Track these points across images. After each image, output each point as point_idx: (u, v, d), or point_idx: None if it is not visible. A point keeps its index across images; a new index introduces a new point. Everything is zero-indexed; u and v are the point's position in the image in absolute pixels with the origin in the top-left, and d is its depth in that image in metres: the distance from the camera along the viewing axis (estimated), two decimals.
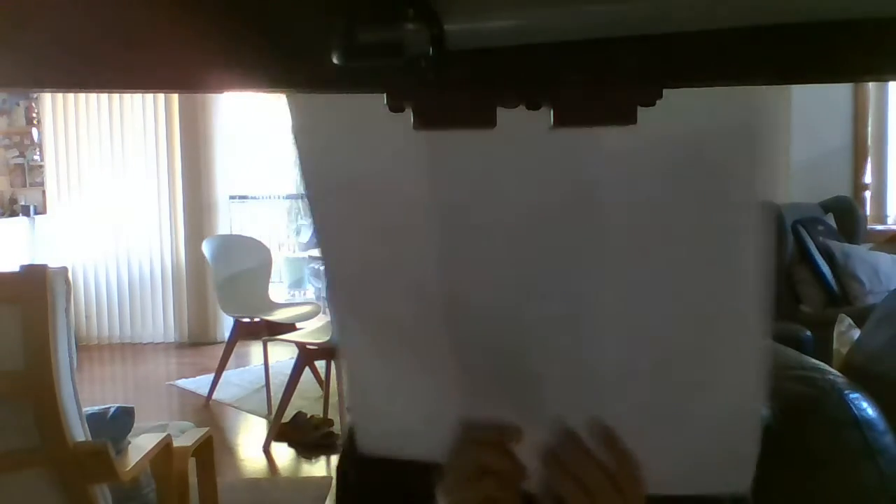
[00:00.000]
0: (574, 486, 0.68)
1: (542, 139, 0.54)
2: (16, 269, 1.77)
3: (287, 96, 0.65)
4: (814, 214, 4.23)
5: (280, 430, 3.82)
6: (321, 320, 4.30)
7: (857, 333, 2.12)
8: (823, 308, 3.88)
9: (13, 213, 5.84)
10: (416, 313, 0.70)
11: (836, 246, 4.04)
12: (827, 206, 4.36)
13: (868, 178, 4.81)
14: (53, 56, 0.49)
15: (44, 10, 0.48)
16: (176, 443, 2.23)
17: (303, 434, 3.82)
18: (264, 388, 4.39)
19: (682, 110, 0.57)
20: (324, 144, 0.66)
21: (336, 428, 3.82)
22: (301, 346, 3.82)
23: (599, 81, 0.57)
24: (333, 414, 3.95)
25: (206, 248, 4.71)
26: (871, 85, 4.54)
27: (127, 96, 5.64)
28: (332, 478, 3.44)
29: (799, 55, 0.53)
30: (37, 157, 5.96)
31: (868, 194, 4.83)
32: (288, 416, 3.85)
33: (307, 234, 8.36)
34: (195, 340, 5.97)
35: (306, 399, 4.25)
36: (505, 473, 0.70)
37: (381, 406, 0.76)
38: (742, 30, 0.50)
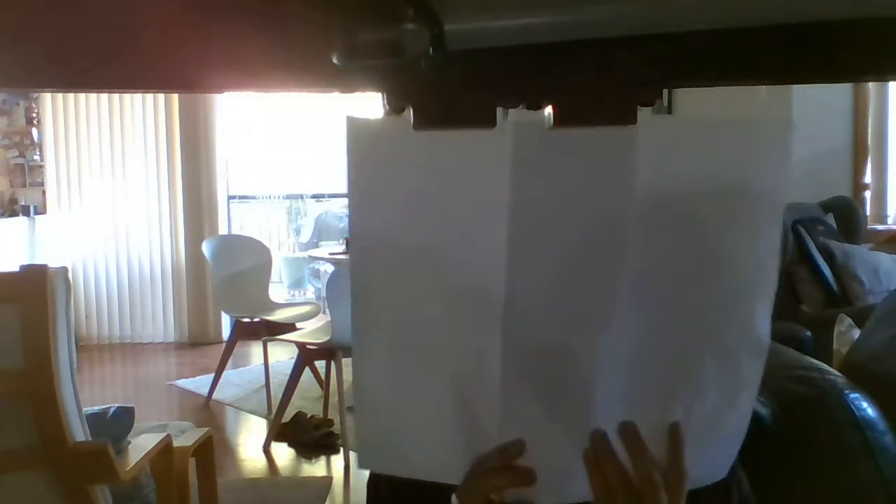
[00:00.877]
0: (609, 490, 0.69)
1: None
2: (16, 269, 1.77)
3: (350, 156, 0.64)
4: (814, 214, 4.23)
5: (280, 430, 3.82)
6: (321, 320, 4.30)
7: (857, 333, 2.12)
8: (823, 308, 3.88)
9: (13, 213, 5.84)
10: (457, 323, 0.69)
11: (836, 246, 4.04)
12: (827, 206, 4.36)
13: (868, 178, 4.81)
14: (53, 56, 0.49)
15: (44, 11, 0.48)
16: (176, 443, 2.22)
17: (303, 434, 3.82)
18: (264, 388, 4.39)
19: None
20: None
21: (336, 428, 3.82)
22: (301, 346, 3.82)
23: (599, 81, 0.57)
24: (333, 414, 3.95)
25: (206, 248, 4.71)
26: (871, 85, 4.54)
27: (127, 96, 5.64)
28: (332, 478, 3.44)
29: (799, 55, 0.53)
30: (37, 157, 5.96)
31: (868, 194, 4.82)
32: (288, 416, 3.85)
33: (307, 234, 8.36)
34: (195, 340, 5.97)
35: (306, 399, 4.25)
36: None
37: (390, 423, 0.75)
38: (742, 30, 0.50)
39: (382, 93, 0.57)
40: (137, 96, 5.66)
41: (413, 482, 0.80)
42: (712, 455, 0.74)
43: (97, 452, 1.82)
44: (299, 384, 3.84)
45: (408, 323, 0.70)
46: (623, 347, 0.67)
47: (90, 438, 1.88)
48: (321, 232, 8.18)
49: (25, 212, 5.84)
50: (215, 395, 4.55)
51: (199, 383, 4.85)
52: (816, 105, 4.66)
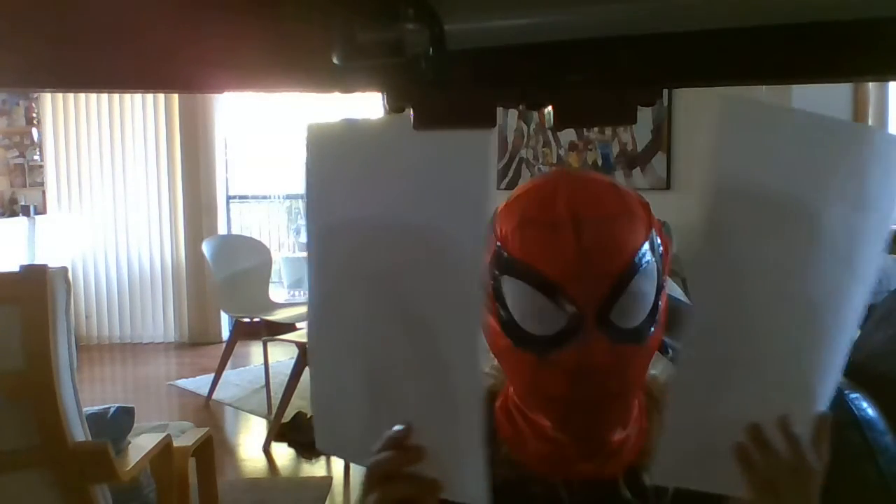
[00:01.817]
0: (771, 482, 0.73)
1: None
2: (16, 269, 1.77)
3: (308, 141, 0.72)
4: None
5: (280, 430, 3.81)
6: None
7: (857, 333, 2.12)
8: None
9: (13, 213, 5.84)
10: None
11: None
12: None
13: None
14: (53, 56, 0.49)
15: (44, 11, 0.48)
16: (176, 443, 2.22)
17: (303, 434, 3.82)
18: (264, 388, 4.39)
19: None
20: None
21: None
22: (301, 346, 3.82)
23: (599, 81, 0.57)
24: None
25: (206, 248, 4.70)
26: (871, 85, 4.53)
27: (127, 96, 5.64)
28: (331, 478, 3.44)
29: (799, 55, 0.53)
30: (37, 157, 5.96)
31: None
32: (288, 416, 3.85)
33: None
34: (195, 340, 5.97)
35: (306, 399, 4.24)
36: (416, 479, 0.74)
37: (333, 410, 0.81)
38: (742, 30, 0.50)
39: (382, 93, 0.57)
40: (137, 96, 5.66)
41: None
42: None
43: (97, 452, 1.82)
44: (299, 384, 3.83)
45: (341, 315, 0.77)
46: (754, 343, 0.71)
47: (90, 438, 1.88)
48: None
49: (25, 212, 5.83)
50: (215, 395, 4.54)
51: (199, 383, 4.85)
52: (816, 105, 4.65)
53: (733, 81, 0.58)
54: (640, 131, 4.99)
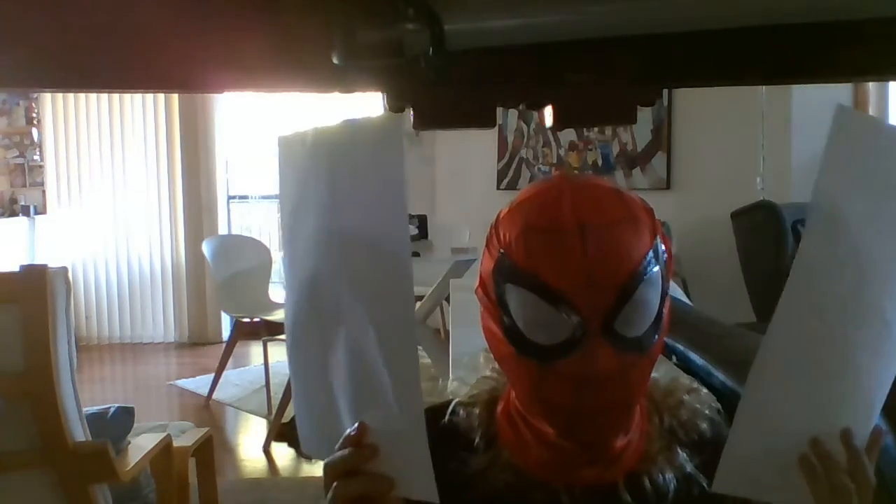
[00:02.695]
0: (822, 488, 0.74)
1: None
2: (16, 269, 1.76)
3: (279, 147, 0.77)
4: None
5: (280, 430, 3.81)
6: None
7: None
8: None
9: (13, 213, 5.84)
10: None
11: None
12: None
13: None
14: (53, 56, 0.49)
15: (43, 11, 0.48)
16: (176, 443, 2.22)
17: None
18: (264, 388, 4.38)
19: None
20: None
21: None
22: None
23: (599, 81, 0.57)
24: None
25: (206, 248, 4.70)
26: (871, 85, 4.53)
27: (127, 96, 5.64)
28: None
29: (799, 55, 0.53)
30: (37, 157, 5.96)
31: None
32: (288, 416, 3.85)
33: None
34: (195, 340, 5.96)
35: None
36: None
37: (311, 413, 0.86)
38: (742, 30, 0.50)
39: (382, 93, 0.57)
40: (137, 96, 5.66)
41: None
42: None
43: (97, 452, 1.82)
44: None
45: (304, 321, 0.80)
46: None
47: (90, 438, 1.88)
48: None
49: (25, 212, 5.83)
50: (215, 395, 4.54)
51: (199, 383, 4.85)
52: (816, 105, 4.66)
53: (733, 81, 0.58)
54: (640, 131, 4.99)
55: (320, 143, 0.71)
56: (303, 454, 3.70)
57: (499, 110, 0.58)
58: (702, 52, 0.54)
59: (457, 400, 0.94)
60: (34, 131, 5.93)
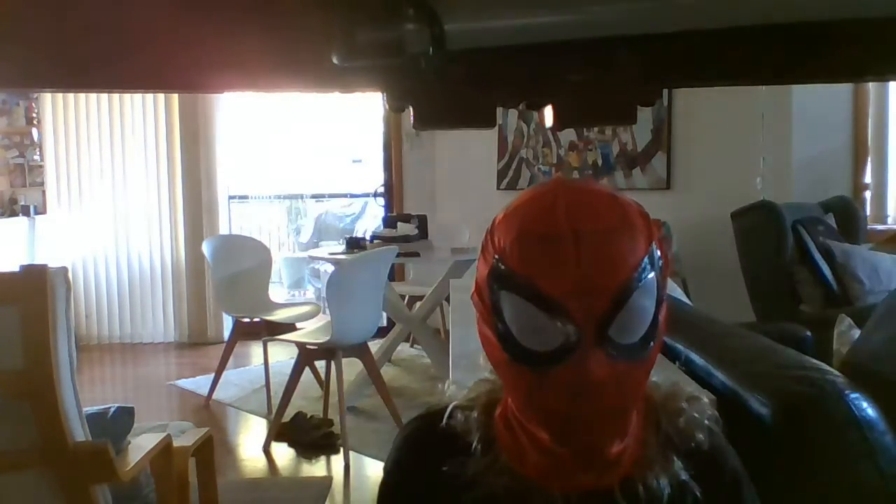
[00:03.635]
0: None
1: None
2: (16, 269, 1.77)
3: None
4: (814, 214, 4.23)
5: (280, 430, 3.81)
6: (321, 320, 4.30)
7: (857, 333, 2.12)
8: (823, 308, 3.88)
9: (13, 213, 5.84)
10: None
11: (836, 246, 4.04)
12: (827, 206, 4.35)
13: (868, 178, 4.80)
14: (53, 56, 0.49)
15: (44, 11, 0.48)
16: (176, 443, 2.22)
17: (303, 434, 3.82)
18: (264, 388, 4.38)
19: None
20: None
21: (336, 428, 3.81)
22: (301, 346, 3.82)
23: (599, 81, 0.57)
24: (333, 414, 3.95)
25: (206, 248, 4.70)
26: (871, 85, 4.53)
27: (127, 96, 5.63)
28: (331, 478, 3.44)
29: (799, 55, 0.53)
30: (37, 157, 5.95)
31: (868, 194, 4.82)
32: (288, 416, 3.85)
33: (307, 234, 8.36)
34: (195, 340, 5.96)
35: (306, 399, 4.25)
36: None
37: None
38: (742, 30, 0.50)
39: (382, 93, 0.57)
40: (137, 96, 5.66)
41: (431, 495, 0.88)
42: None
43: (97, 452, 1.82)
44: (299, 384, 3.84)
45: None
46: None
47: (90, 438, 1.88)
48: (321, 232, 8.18)
49: (25, 212, 5.83)
50: (215, 395, 4.54)
51: (199, 383, 4.85)
52: (816, 105, 4.66)
53: (733, 81, 0.58)
54: (640, 131, 4.99)
55: None
56: (304, 454, 3.70)
57: (499, 110, 0.58)
58: (702, 52, 0.54)
59: (454, 403, 0.94)
60: (34, 131, 5.93)
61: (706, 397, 0.95)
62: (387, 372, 4.52)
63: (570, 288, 0.77)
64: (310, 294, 7.96)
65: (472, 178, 5.65)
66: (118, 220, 5.96)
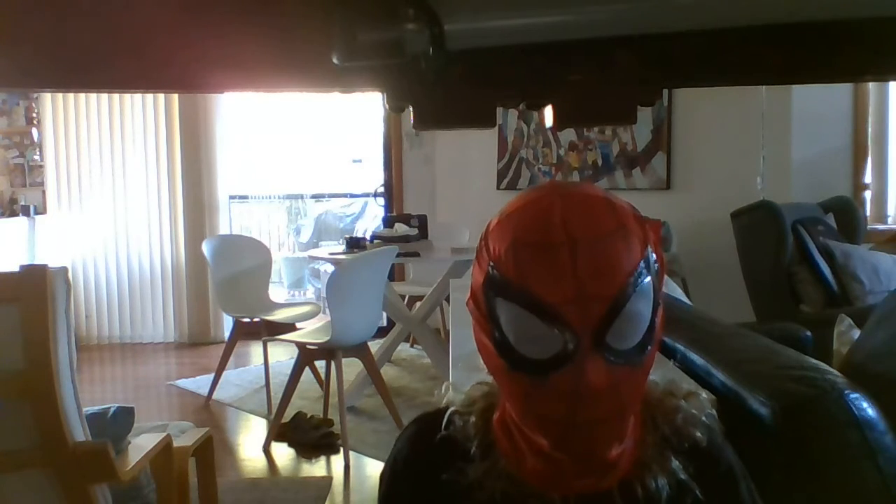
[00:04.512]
0: None
1: None
2: (16, 269, 1.77)
3: None
4: (814, 214, 4.23)
5: (280, 430, 3.81)
6: (321, 320, 4.30)
7: (857, 333, 2.12)
8: (823, 308, 3.88)
9: (13, 213, 5.84)
10: None
11: (836, 246, 4.04)
12: (827, 206, 4.36)
13: (868, 178, 4.80)
14: (53, 56, 0.49)
15: (44, 11, 0.48)
16: (176, 443, 2.22)
17: (303, 434, 3.82)
18: (264, 388, 4.39)
19: None
20: None
21: (336, 428, 3.82)
22: (301, 346, 3.82)
23: (599, 81, 0.56)
24: (333, 414, 3.95)
25: (206, 248, 4.70)
26: (871, 85, 4.53)
27: (127, 96, 5.63)
28: (331, 478, 3.44)
29: (799, 55, 0.53)
30: (37, 157, 5.95)
31: (868, 194, 4.82)
32: (288, 416, 3.85)
33: (307, 234, 8.37)
34: (195, 340, 5.96)
35: (306, 399, 4.25)
36: None
37: None
38: (742, 30, 0.50)
39: (382, 93, 0.57)
40: (137, 96, 5.66)
41: (431, 500, 0.89)
42: None
43: (97, 452, 1.82)
44: (299, 384, 3.84)
45: None
46: None
47: (90, 438, 1.88)
48: (321, 232, 8.18)
49: (25, 212, 5.83)
50: (215, 395, 4.54)
51: (199, 383, 4.85)
52: (816, 105, 4.66)
53: (733, 81, 0.58)
54: (640, 131, 4.99)
55: None
56: (304, 454, 3.70)
57: (499, 110, 0.58)
58: (702, 52, 0.54)
59: (452, 409, 0.94)
60: (34, 131, 5.93)
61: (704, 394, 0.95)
62: (387, 372, 4.52)
63: (567, 296, 0.76)
64: (310, 294, 7.96)
65: (472, 178, 5.65)
66: (118, 220, 5.96)
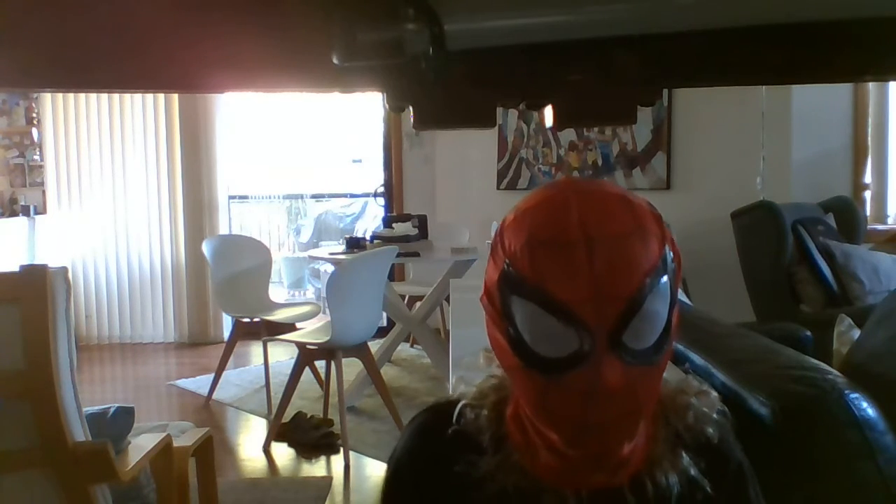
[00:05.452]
0: None
1: None
2: (16, 269, 1.77)
3: None
4: (814, 214, 4.23)
5: (280, 430, 3.81)
6: (321, 320, 4.30)
7: (857, 333, 2.12)
8: (823, 308, 3.88)
9: (13, 213, 5.84)
10: None
11: (836, 246, 4.04)
12: (827, 206, 4.36)
13: (868, 178, 4.80)
14: (53, 56, 0.49)
15: (44, 11, 0.48)
16: (176, 443, 2.22)
17: (303, 434, 3.82)
18: (264, 388, 4.38)
19: None
20: None
21: (336, 428, 3.81)
22: (301, 346, 3.82)
23: (599, 81, 0.56)
24: (333, 414, 3.95)
25: (206, 248, 4.70)
26: (871, 85, 4.53)
27: (127, 96, 5.63)
28: (331, 478, 3.44)
29: (799, 55, 0.53)
30: (37, 157, 5.95)
31: (868, 194, 4.82)
32: (288, 416, 3.85)
33: (307, 234, 8.37)
34: (195, 340, 5.96)
35: (306, 399, 4.25)
36: None
37: None
38: (742, 30, 0.50)
39: (382, 93, 0.57)
40: (137, 96, 5.66)
41: (439, 490, 0.89)
42: None
43: (97, 452, 1.82)
44: (299, 384, 3.84)
45: None
46: None
47: (90, 438, 1.88)
48: (321, 232, 8.18)
49: (25, 212, 5.83)
50: (215, 395, 4.54)
51: (199, 383, 4.85)
52: (816, 105, 4.66)
53: (733, 81, 0.58)
54: (640, 131, 4.99)
55: None
56: (304, 454, 3.70)
57: (499, 110, 0.58)
58: (702, 52, 0.54)
59: (464, 402, 0.94)
60: (34, 131, 5.93)
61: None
62: (387, 372, 4.53)
63: (583, 295, 0.76)
64: (310, 294, 7.96)
65: (472, 178, 5.65)
66: (118, 220, 5.96)
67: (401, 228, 4.77)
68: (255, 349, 4.94)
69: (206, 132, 5.88)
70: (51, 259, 5.58)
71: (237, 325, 4.63)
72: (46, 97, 5.83)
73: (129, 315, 6.06)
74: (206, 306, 5.93)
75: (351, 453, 3.57)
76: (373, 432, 3.88)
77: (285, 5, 0.51)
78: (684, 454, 0.88)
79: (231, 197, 6.22)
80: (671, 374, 0.94)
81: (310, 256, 5.36)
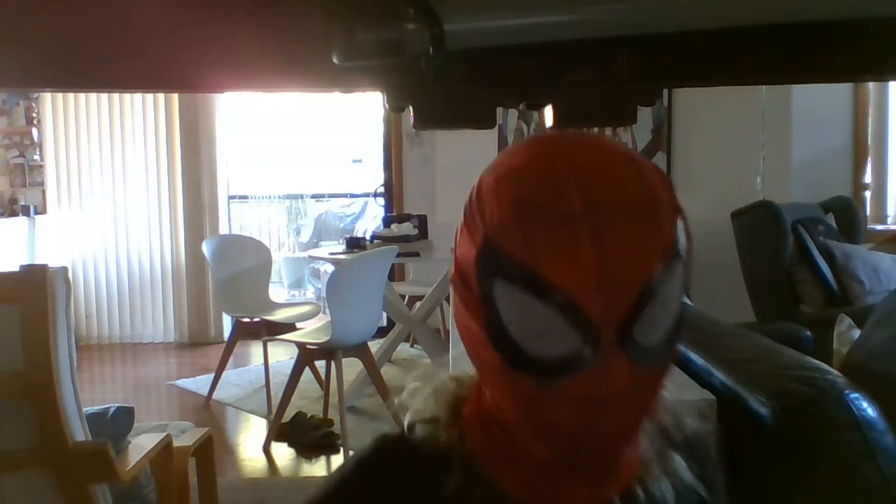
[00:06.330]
0: None
1: None
2: (16, 269, 1.77)
3: None
4: (814, 214, 4.23)
5: (280, 430, 3.81)
6: (321, 320, 4.30)
7: (857, 333, 2.12)
8: (823, 308, 3.88)
9: (13, 213, 5.84)
10: None
11: (836, 246, 4.04)
12: (827, 206, 4.36)
13: (868, 178, 4.80)
14: (53, 56, 0.49)
15: (44, 11, 0.48)
16: (176, 443, 2.22)
17: (303, 434, 3.82)
18: (264, 388, 4.38)
19: None
20: None
21: (336, 428, 3.82)
22: (301, 346, 3.82)
23: (599, 81, 0.56)
24: (333, 414, 3.95)
25: (206, 248, 4.70)
26: (871, 85, 4.54)
27: (127, 96, 5.63)
28: None
29: (799, 55, 0.53)
30: (37, 157, 5.95)
31: (868, 194, 4.82)
32: (288, 416, 3.85)
33: (307, 234, 8.37)
34: (195, 340, 5.96)
35: (306, 399, 4.25)
36: None
37: None
38: (742, 30, 0.50)
39: (382, 92, 0.57)
40: (137, 96, 5.66)
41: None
42: None
43: (97, 452, 1.82)
44: (299, 384, 3.84)
45: None
46: None
47: (90, 438, 1.88)
48: (321, 232, 8.19)
49: (25, 212, 5.83)
50: (215, 395, 4.54)
51: (199, 383, 4.85)
52: (816, 105, 4.66)
53: (733, 81, 0.58)
54: (640, 131, 4.99)
55: None
56: (304, 454, 3.70)
57: (499, 110, 0.58)
58: (702, 52, 0.54)
59: (409, 417, 0.78)
60: (34, 131, 5.93)
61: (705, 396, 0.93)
62: (387, 372, 4.52)
63: (587, 280, 0.60)
64: (310, 294, 7.96)
65: (472, 178, 5.55)
66: (118, 220, 5.96)
67: (401, 228, 4.77)
68: (255, 349, 4.94)
69: (206, 132, 5.88)
70: (51, 259, 5.58)
71: (237, 324, 4.63)
72: (46, 97, 5.83)
73: (129, 315, 6.06)
74: (207, 306, 5.93)
75: (351, 453, 3.57)
76: (373, 432, 3.85)
77: (285, 5, 0.51)
78: (673, 454, 0.76)
79: (231, 197, 6.22)
80: None
81: (310, 256, 5.35)
